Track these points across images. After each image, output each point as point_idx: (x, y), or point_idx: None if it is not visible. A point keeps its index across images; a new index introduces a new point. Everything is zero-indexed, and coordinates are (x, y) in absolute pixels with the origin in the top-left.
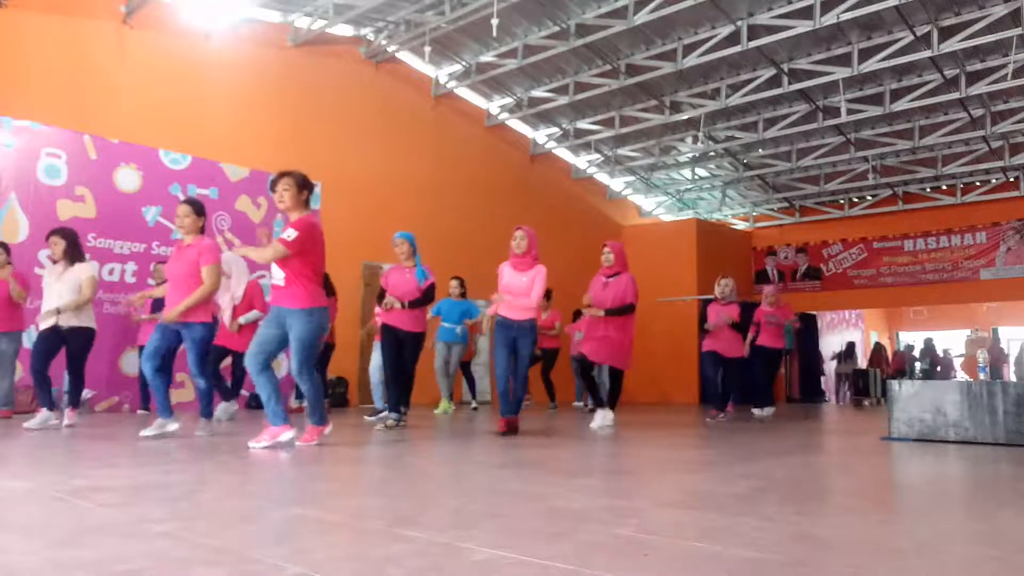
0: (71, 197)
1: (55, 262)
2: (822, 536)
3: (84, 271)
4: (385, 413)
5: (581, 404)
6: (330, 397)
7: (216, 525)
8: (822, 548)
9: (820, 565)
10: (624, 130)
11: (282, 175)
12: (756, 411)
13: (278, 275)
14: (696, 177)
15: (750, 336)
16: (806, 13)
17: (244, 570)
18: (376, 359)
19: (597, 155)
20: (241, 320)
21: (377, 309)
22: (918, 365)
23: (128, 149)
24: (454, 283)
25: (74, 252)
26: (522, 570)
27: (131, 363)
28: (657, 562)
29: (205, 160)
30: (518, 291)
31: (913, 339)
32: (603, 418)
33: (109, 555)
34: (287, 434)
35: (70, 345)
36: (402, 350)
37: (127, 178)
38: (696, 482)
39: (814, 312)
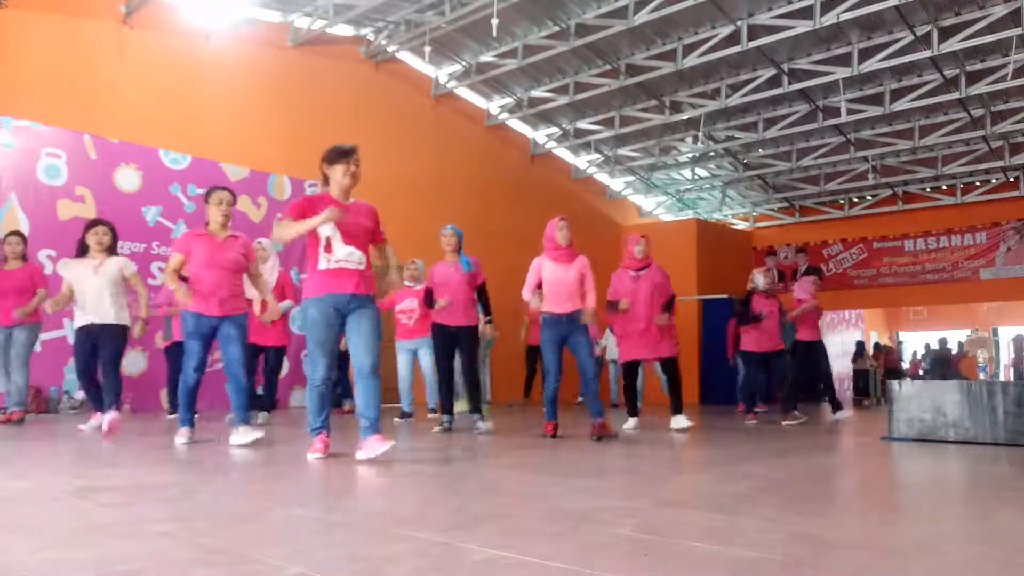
0: (71, 197)
1: (76, 255)
2: (822, 536)
3: (127, 266)
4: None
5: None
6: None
7: (216, 525)
8: (822, 548)
9: (820, 565)
10: (624, 130)
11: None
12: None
13: (357, 258)
14: (696, 177)
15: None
16: (806, 13)
17: (244, 570)
18: (404, 362)
19: (597, 155)
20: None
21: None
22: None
23: (128, 149)
24: None
25: (115, 245)
26: (522, 570)
27: (131, 363)
28: (657, 562)
29: (205, 160)
30: (566, 284)
31: (914, 339)
32: (679, 423)
33: (109, 555)
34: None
35: (106, 343)
36: (456, 348)
37: (127, 178)
38: (696, 482)
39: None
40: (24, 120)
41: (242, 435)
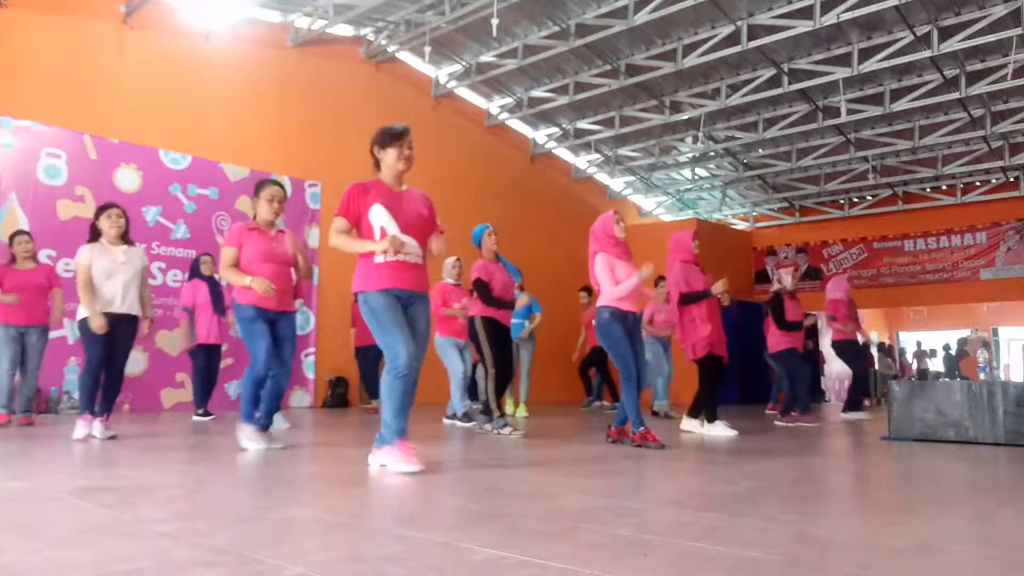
0: (71, 197)
1: (101, 240)
2: (822, 536)
3: (143, 256)
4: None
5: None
6: (331, 396)
7: (216, 525)
8: (822, 548)
9: (820, 565)
10: (624, 130)
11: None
12: (850, 415)
13: (415, 250)
14: (696, 177)
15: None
16: (806, 13)
17: (244, 570)
18: (457, 358)
19: (597, 155)
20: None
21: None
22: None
23: (128, 149)
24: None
25: (128, 230)
26: (522, 570)
27: (131, 363)
28: (657, 562)
29: (205, 160)
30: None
31: (919, 339)
32: (693, 426)
33: (109, 555)
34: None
35: (125, 335)
36: (508, 346)
37: (127, 178)
38: (696, 482)
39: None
40: (24, 120)
41: (262, 440)
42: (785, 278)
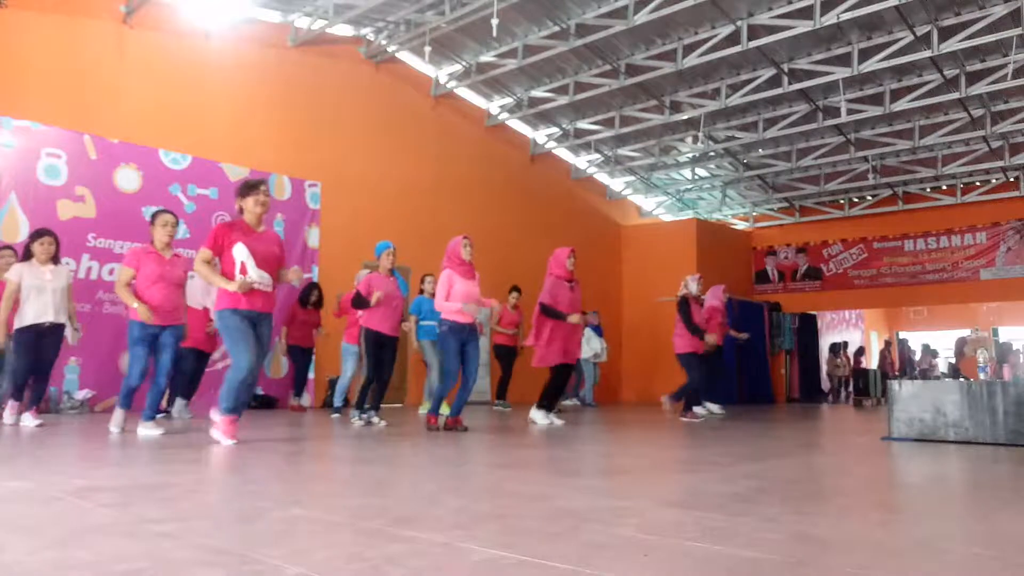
0: (71, 197)
1: (40, 262)
2: (822, 536)
3: (69, 273)
4: (368, 414)
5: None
6: (332, 396)
7: (216, 525)
8: (822, 548)
9: (820, 565)
10: (624, 130)
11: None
12: (700, 410)
13: (268, 281)
14: (696, 177)
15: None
16: (806, 13)
17: (244, 570)
18: (354, 363)
19: (597, 155)
20: None
21: (361, 313)
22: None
23: (128, 149)
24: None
25: (58, 254)
26: (522, 570)
27: None
28: (657, 562)
29: (205, 160)
30: (473, 298)
31: (913, 339)
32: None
33: (109, 555)
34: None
35: (54, 342)
36: (388, 355)
37: (127, 178)
38: (696, 482)
39: (814, 312)
40: (24, 120)
41: (148, 429)
42: (691, 284)
